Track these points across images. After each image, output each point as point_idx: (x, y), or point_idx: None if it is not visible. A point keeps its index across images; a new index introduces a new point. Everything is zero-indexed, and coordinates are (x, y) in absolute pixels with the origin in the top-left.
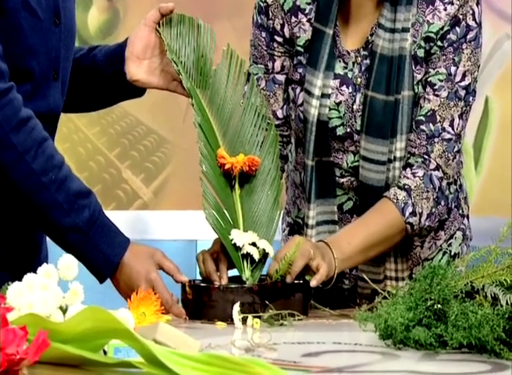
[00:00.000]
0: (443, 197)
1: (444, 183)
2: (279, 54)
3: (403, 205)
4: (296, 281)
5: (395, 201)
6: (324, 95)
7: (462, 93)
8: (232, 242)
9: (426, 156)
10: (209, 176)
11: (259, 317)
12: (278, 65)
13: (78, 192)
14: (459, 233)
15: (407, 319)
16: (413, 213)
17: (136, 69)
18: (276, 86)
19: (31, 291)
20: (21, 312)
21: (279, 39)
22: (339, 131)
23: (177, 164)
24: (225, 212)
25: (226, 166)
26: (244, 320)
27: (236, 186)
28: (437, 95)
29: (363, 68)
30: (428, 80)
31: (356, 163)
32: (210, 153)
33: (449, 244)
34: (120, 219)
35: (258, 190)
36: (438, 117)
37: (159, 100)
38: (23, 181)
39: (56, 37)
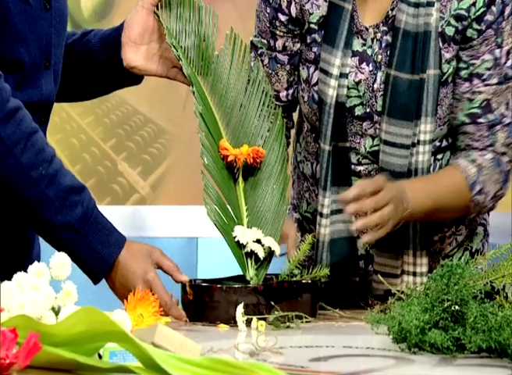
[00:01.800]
0: (507, 180)
1: (509, 166)
2: (281, 33)
3: (472, 181)
4: (303, 281)
5: (465, 175)
6: (342, 75)
7: (510, 72)
8: (236, 239)
9: (491, 148)
10: (211, 169)
11: (264, 319)
12: (279, 44)
13: (70, 187)
14: (480, 229)
15: (423, 322)
16: (480, 192)
17: (134, 55)
18: (278, 66)
19: (22, 291)
20: (11, 313)
21: (283, 18)
22: (358, 111)
23: (177, 156)
24: (228, 207)
25: (229, 158)
26: (248, 322)
27: (240, 179)
28: (488, 85)
29: (383, 44)
30: (475, 72)
31: (375, 148)
32: (212, 144)
33: (471, 240)
34: (116, 215)
35: (263, 183)
36: (494, 105)
37: (158, 88)
38: (12, 176)
39: (47, 22)
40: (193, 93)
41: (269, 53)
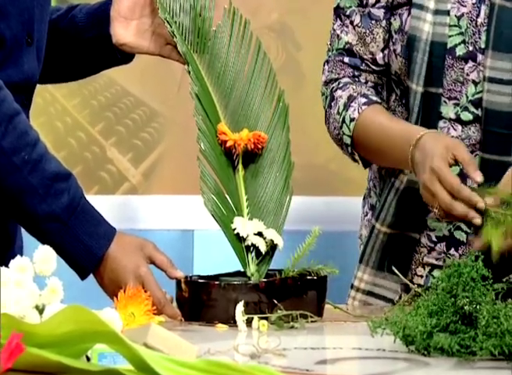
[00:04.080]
0: None
1: None
2: None
3: None
4: (309, 277)
5: None
6: (440, 11)
7: None
8: (235, 232)
9: None
10: (208, 156)
11: (266, 318)
12: None
13: (55, 174)
14: None
15: (430, 326)
16: None
17: (124, 31)
18: (373, 22)
19: (3, 287)
20: None
21: None
22: (460, 51)
23: (171, 141)
24: (227, 197)
25: (228, 144)
26: (249, 322)
27: (240, 167)
28: None
29: None
30: None
31: (478, 95)
32: (209, 128)
33: None
34: (104, 205)
35: (265, 171)
36: None
37: (150, 67)
38: None
39: None
40: (189, 72)
41: (361, 10)
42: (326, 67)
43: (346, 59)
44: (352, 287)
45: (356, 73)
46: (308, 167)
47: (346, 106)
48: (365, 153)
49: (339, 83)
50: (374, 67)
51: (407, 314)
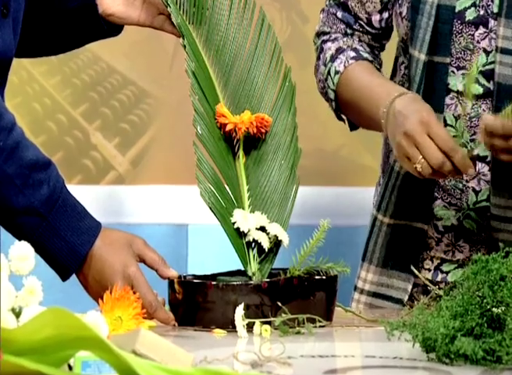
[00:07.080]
0: None
1: None
2: None
3: None
4: (317, 277)
5: None
6: None
7: None
8: (235, 226)
9: None
10: (205, 141)
11: (269, 323)
12: None
13: (34, 163)
14: None
15: (453, 329)
16: None
17: None
18: None
19: None
20: None
21: None
22: (470, 15)
23: (162, 125)
24: (226, 187)
25: (228, 127)
26: (250, 327)
27: (240, 153)
28: None
29: None
30: None
31: (489, 66)
32: (206, 110)
33: None
34: (88, 196)
35: (269, 158)
36: None
37: (139, 41)
38: None
39: None
40: (184, 47)
41: None
42: (321, 16)
43: (340, 14)
44: (355, 289)
45: (348, 31)
46: (317, 154)
47: (333, 58)
48: (346, 110)
49: (330, 36)
50: (368, 28)
51: (427, 316)
